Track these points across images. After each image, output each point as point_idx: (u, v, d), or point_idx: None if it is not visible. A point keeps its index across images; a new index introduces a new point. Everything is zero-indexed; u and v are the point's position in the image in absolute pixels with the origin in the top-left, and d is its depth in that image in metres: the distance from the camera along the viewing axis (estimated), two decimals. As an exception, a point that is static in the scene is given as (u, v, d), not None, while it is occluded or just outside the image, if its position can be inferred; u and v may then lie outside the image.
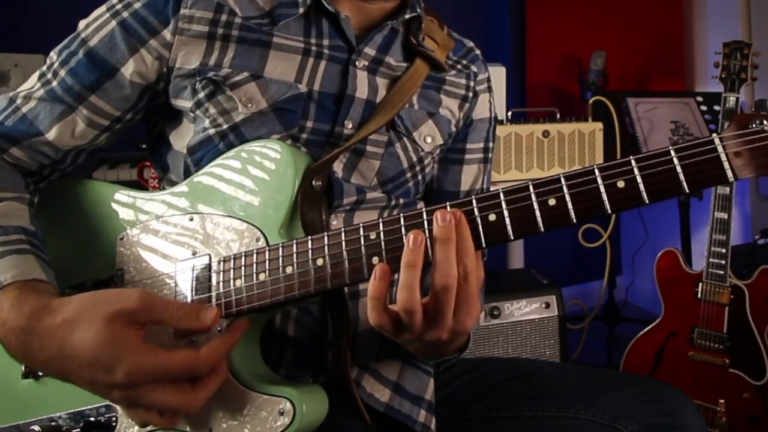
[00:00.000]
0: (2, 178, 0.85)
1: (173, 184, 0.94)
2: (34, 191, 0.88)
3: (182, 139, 0.90)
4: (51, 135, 0.86)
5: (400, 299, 0.66)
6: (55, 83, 0.86)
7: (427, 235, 0.67)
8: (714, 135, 0.63)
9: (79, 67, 0.86)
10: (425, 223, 0.69)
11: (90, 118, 0.87)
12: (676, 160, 0.63)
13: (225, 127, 0.85)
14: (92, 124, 0.88)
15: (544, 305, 1.89)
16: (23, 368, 0.83)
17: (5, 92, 0.90)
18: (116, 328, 0.66)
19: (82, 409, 0.80)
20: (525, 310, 1.87)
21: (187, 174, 0.89)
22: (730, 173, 0.62)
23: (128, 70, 0.86)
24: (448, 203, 0.69)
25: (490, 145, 1.07)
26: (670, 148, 0.63)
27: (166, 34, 0.85)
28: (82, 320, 0.66)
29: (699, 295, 1.91)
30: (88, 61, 0.86)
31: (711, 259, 1.89)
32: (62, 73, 0.86)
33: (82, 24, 0.88)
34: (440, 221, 0.65)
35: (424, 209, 0.69)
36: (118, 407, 0.78)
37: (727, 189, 1.89)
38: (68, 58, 0.86)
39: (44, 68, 0.88)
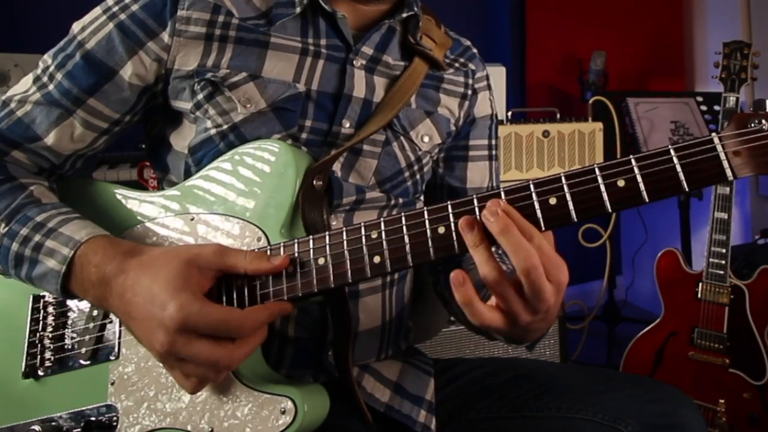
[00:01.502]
0: (16, 170, 0.86)
1: (173, 184, 0.94)
2: (48, 181, 0.90)
3: (183, 139, 0.90)
4: (50, 140, 0.86)
5: (483, 273, 0.65)
6: (51, 87, 0.85)
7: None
8: (713, 134, 0.63)
9: (77, 70, 0.85)
10: (426, 222, 0.69)
11: (88, 121, 0.87)
12: (675, 159, 0.63)
13: (225, 127, 0.85)
14: (90, 127, 0.87)
15: (544, 305, 1.88)
16: (24, 368, 0.83)
17: (5, 92, 0.89)
18: (188, 270, 0.70)
19: (83, 409, 0.80)
20: (525, 310, 1.87)
21: (188, 174, 0.89)
22: (729, 172, 0.62)
23: (127, 72, 0.86)
24: (449, 202, 0.69)
25: (494, 142, 1.07)
26: (670, 147, 0.64)
27: (164, 36, 0.85)
28: (164, 259, 0.72)
29: (699, 295, 1.92)
30: (86, 63, 0.85)
31: (711, 259, 1.89)
32: (59, 76, 0.85)
33: (76, 26, 0.87)
34: (491, 216, 0.64)
35: (425, 209, 0.69)
36: (119, 407, 0.78)
37: (727, 189, 1.89)
38: (65, 61, 0.86)
39: (39, 71, 0.87)
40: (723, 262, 1.87)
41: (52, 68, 0.86)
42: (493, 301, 0.68)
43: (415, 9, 0.95)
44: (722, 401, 1.83)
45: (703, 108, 2.49)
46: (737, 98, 1.93)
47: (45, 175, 0.91)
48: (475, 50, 1.08)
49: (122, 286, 0.72)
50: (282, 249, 0.75)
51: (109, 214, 0.88)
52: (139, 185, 1.76)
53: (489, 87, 1.08)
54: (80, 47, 0.85)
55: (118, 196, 0.89)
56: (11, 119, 0.86)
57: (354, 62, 0.91)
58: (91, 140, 0.89)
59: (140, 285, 0.70)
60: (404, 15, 0.94)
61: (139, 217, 0.86)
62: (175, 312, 0.67)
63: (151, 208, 0.86)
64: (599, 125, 2.13)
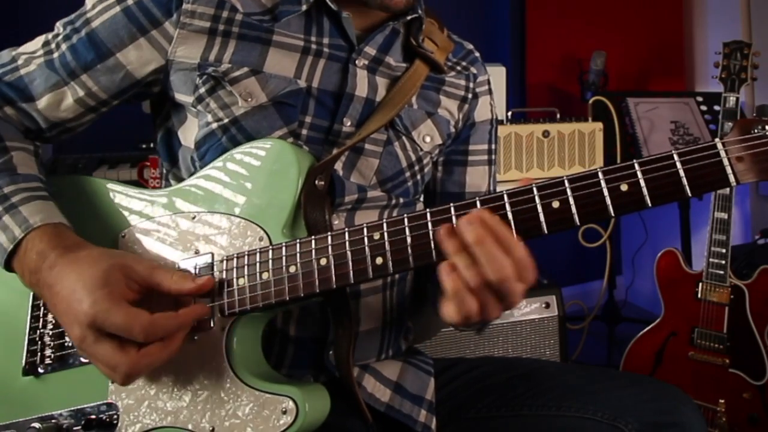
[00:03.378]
0: (6, 129, 0.88)
1: (178, 178, 0.95)
2: (34, 143, 0.92)
3: (189, 134, 0.91)
4: (41, 103, 0.88)
5: (466, 277, 0.64)
6: (55, 55, 0.88)
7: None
8: (717, 140, 0.64)
9: (80, 45, 0.87)
10: (429, 224, 0.69)
11: (78, 95, 0.89)
12: (679, 164, 0.63)
13: (226, 121, 0.86)
14: (79, 101, 0.89)
15: (544, 305, 1.88)
16: (24, 365, 0.83)
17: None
18: (113, 272, 0.72)
19: (83, 406, 0.80)
20: (525, 310, 1.87)
21: (192, 169, 0.89)
22: (732, 178, 0.63)
23: (125, 56, 0.87)
24: (452, 204, 0.69)
25: (493, 146, 1.07)
26: (673, 152, 0.64)
27: (169, 27, 0.86)
28: (97, 258, 0.74)
29: (699, 295, 1.92)
30: (88, 40, 0.87)
31: (711, 259, 1.89)
32: (63, 47, 0.88)
33: (89, 2, 0.90)
34: (467, 225, 0.64)
35: (428, 210, 0.70)
36: (119, 405, 0.78)
37: (727, 189, 1.89)
38: (71, 34, 0.88)
39: (50, 36, 0.90)
40: (723, 262, 1.87)
41: (60, 38, 0.89)
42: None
43: (419, 12, 0.95)
44: (722, 401, 1.83)
45: (703, 108, 2.48)
46: (737, 98, 1.93)
47: (31, 137, 0.93)
48: (477, 54, 1.08)
49: (53, 277, 0.74)
50: (284, 249, 0.75)
51: (110, 213, 0.88)
52: (139, 185, 1.75)
53: (490, 91, 1.08)
54: (87, 24, 0.88)
55: (119, 195, 0.89)
56: (14, 75, 0.89)
57: (357, 62, 0.91)
58: (77, 114, 0.91)
59: (67, 279, 0.73)
60: (408, 17, 0.94)
61: (140, 216, 0.86)
62: (88, 308, 0.69)
63: (153, 206, 0.86)
64: (599, 125, 2.12)
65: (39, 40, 0.91)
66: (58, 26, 0.91)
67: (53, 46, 0.89)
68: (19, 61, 0.89)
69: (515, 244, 0.64)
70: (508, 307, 0.67)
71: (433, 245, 0.69)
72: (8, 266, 0.79)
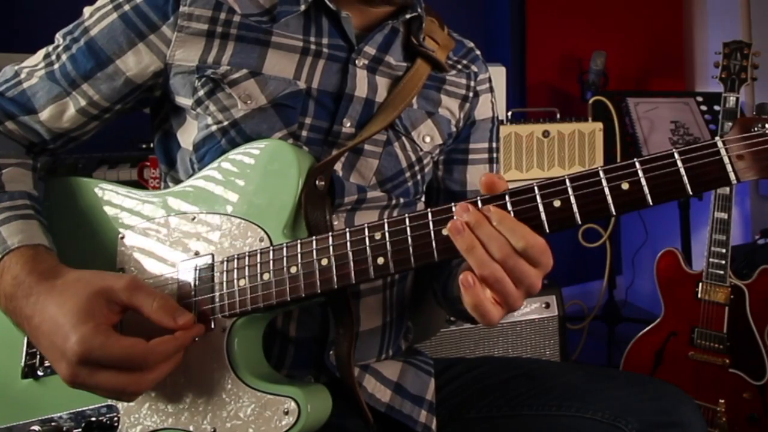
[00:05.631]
0: (4, 145, 0.88)
1: (176, 180, 0.95)
2: (35, 158, 0.92)
3: (188, 136, 0.91)
4: (44, 115, 0.88)
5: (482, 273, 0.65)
6: (56, 66, 0.88)
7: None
8: (717, 138, 0.63)
9: (79, 54, 0.87)
10: (430, 224, 0.69)
11: (81, 104, 0.89)
12: (679, 163, 0.63)
13: (226, 123, 0.86)
14: (81, 111, 0.89)
15: (544, 305, 1.89)
16: (23, 368, 0.83)
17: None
18: (96, 301, 0.70)
19: (83, 409, 0.80)
20: (525, 310, 1.87)
21: (191, 171, 0.89)
22: (733, 176, 0.63)
23: (125, 63, 0.87)
24: (453, 204, 0.69)
25: (494, 145, 1.07)
26: (674, 150, 0.64)
27: (166, 30, 0.86)
28: (75, 286, 0.72)
29: (699, 295, 1.92)
30: (88, 49, 0.87)
31: (711, 259, 1.89)
32: (64, 57, 0.88)
33: (87, 11, 0.90)
34: (455, 232, 0.65)
35: (429, 210, 0.69)
36: (120, 407, 0.78)
37: (727, 189, 1.89)
38: (71, 44, 0.88)
39: (50, 48, 0.90)
40: (723, 262, 1.87)
41: (60, 48, 0.89)
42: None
43: (419, 10, 0.95)
44: (722, 401, 1.83)
45: (703, 108, 2.49)
46: (737, 98, 1.93)
47: (36, 150, 0.93)
48: (478, 52, 1.08)
49: (31, 309, 0.72)
50: (285, 249, 0.75)
51: (110, 214, 0.87)
52: (139, 185, 1.76)
53: (491, 89, 1.07)
54: (85, 33, 0.88)
55: (119, 196, 0.89)
56: (17, 90, 0.89)
57: (356, 62, 0.91)
58: (80, 123, 0.91)
59: (47, 312, 0.71)
60: (408, 16, 0.94)
61: (139, 217, 0.86)
62: (76, 345, 0.67)
63: (152, 208, 0.86)
64: (599, 125, 2.13)
65: (40, 53, 0.91)
66: (58, 37, 0.91)
67: (54, 57, 0.89)
68: (22, 75, 0.89)
69: (517, 225, 0.65)
70: (530, 292, 0.67)
71: (434, 245, 0.69)
72: None
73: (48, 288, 0.72)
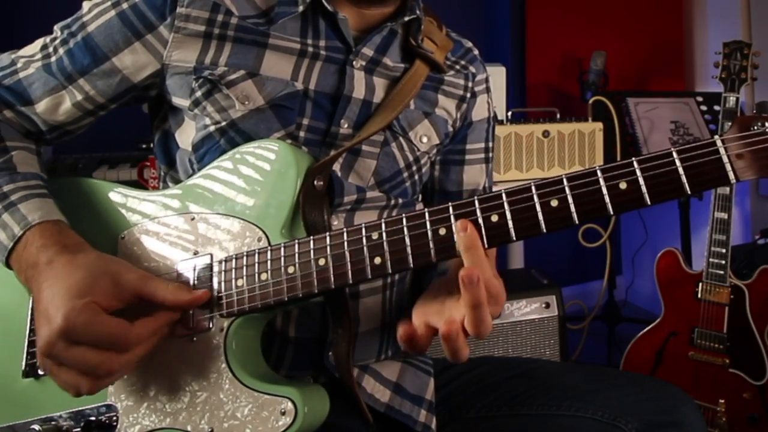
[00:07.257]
0: (6, 130, 0.89)
1: (176, 180, 0.95)
2: (36, 144, 0.92)
3: (187, 136, 0.91)
4: (40, 107, 0.89)
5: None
6: (53, 59, 0.89)
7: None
8: (716, 137, 0.63)
9: (76, 49, 0.88)
10: (428, 224, 0.69)
11: (77, 99, 0.89)
12: (678, 162, 0.63)
13: (224, 124, 0.86)
14: (77, 105, 0.90)
15: (544, 305, 1.88)
16: (23, 367, 0.83)
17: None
18: (102, 279, 0.72)
19: (83, 408, 0.80)
20: (525, 310, 1.87)
21: (190, 171, 0.89)
22: (732, 175, 0.62)
23: (121, 61, 0.87)
24: (450, 204, 0.69)
25: (490, 144, 1.07)
26: (672, 149, 0.63)
27: (163, 30, 0.86)
28: (90, 262, 0.73)
29: (699, 295, 1.92)
30: (84, 45, 0.87)
31: (711, 259, 1.89)
32: (61, 51, 0.88)
33: (86, 6, 0.90)
34: (461, 231, 0.67)
35: (426, 210, 0.69)
36: (119, 407, 0.78)
37: (727, 189, 1.89)
38: (68, 39, 0.89)
39: (48, 40, 0.91)
40: (723, 262, 1.87)
41: (57, 42, 0.89)
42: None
43: (418, 12, 0.95)
44: (722, 401, 1.83)
45: (703, 108, 2.48)
46: (737, 98, 1.93)
47: (33, 138, 0.93)
48: (476, 52, 1.08)
49: (46, 276, 0.73)
50: (282, 249, 0.75)
51: (110, 214, 0.88)
52: (139, 185, 1.76)
53: (488, 89, 1.08)
54: (83, 28, 0.88)
55: (119, 195, 0.89)
56: (13, 78, 0.89)
57: (354, 63, 0.91)
58: (76, 117, 0.91)
59: (56, 279, 0.72)
60: (406, 18, 0.94)
61: (139, 216, 0.86)
62: (62, 317, 0.68)
63: (152, 207, 0.86)
64: (599, 125, 2.12)
65: (38, 43, 0.91)
66: (56, 30, 0.91)
67: (51, 49, 0.89)
68: (18, 65, 0.89)
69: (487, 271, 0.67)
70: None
71: (431, 245, 0.68)
72: (8, 264, 0.80)
73: (68, 260, 0.73)
